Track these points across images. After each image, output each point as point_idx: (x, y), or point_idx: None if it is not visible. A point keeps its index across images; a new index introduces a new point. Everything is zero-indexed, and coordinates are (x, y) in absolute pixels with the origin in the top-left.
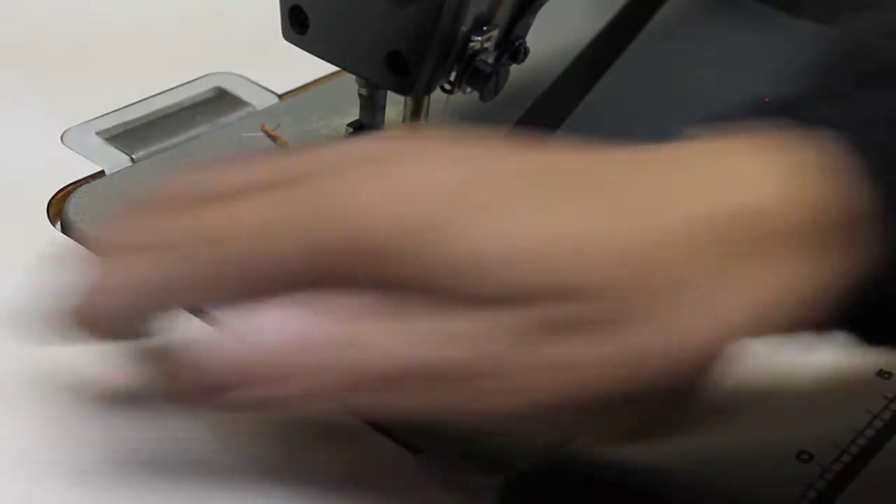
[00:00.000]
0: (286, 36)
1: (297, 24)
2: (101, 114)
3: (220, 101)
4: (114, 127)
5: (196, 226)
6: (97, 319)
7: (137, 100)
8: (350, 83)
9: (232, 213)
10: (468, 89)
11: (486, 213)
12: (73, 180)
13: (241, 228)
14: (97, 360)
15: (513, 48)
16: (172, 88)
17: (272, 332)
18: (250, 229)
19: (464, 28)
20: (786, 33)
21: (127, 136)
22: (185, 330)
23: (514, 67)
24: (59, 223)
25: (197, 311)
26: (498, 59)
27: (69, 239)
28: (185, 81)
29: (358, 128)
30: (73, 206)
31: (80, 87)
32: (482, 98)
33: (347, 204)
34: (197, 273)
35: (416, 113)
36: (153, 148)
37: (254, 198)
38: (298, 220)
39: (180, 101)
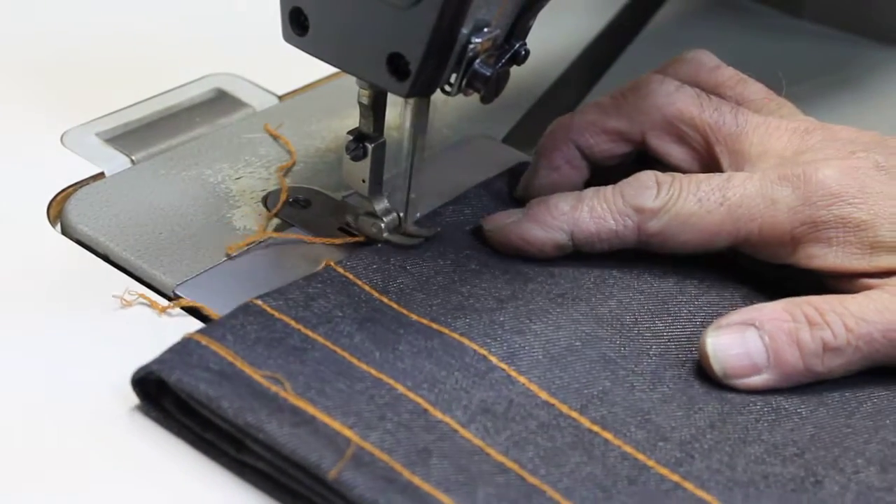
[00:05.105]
0: (286, 37)
1: (297, 26)
2: (100, 115)
3: (219, 102)
4: (114, 128)
5: None
6: None
7: (137, 101)
8: (350, 85)
9: None
10: (469, 91)
11: None
12: (73, 182)
13: None
14: None
15: (513, 50)
16: (172, 90)
17: None
18: None
19: (464, 30)
20: (785, 33)
21: (127, 137)
22: None
23: (514, 69)
24: (59, 224)
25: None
26: (498, 61)
27: (69, 240)
28: (184, 83)
29: (358, 137)
30: (73, 208)
31: (80, 88)
32: (483, 100)
33: None
34: None
35: (416, 115)
36: (153, 149)
37: None
38: None
39: (180, 102)
